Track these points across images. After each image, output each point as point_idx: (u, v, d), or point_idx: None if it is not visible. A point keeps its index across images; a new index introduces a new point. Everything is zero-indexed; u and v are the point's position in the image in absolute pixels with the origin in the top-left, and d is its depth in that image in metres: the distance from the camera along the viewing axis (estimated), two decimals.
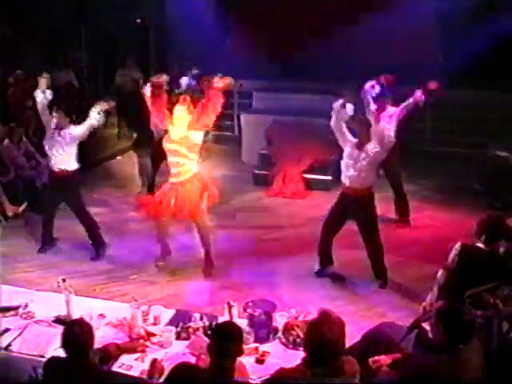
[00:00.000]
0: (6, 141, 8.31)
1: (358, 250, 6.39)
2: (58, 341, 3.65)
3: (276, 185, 9.23)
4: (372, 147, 5.93)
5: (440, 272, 4.45)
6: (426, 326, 3.76)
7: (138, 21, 12.57)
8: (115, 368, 3.90)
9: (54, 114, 6.61)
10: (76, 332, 3.50)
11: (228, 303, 4.44)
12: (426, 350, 3.48)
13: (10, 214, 7.84)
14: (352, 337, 4.08)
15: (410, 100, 7.35)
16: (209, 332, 4.14)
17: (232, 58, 11.68)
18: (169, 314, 4.61)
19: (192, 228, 7.49)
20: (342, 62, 10.27)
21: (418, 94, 7.28)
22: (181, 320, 4.43)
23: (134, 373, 3.87)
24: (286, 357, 4.02)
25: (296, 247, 7.02)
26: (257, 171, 9.62)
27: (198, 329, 4.28)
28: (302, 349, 3.70)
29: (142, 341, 4.20)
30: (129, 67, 11.72)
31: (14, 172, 8.19)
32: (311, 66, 10.46)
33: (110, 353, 3.92)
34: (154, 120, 6.72)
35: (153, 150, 8.38)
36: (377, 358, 3.71)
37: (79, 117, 8.74)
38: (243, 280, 6.28)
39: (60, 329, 3.83)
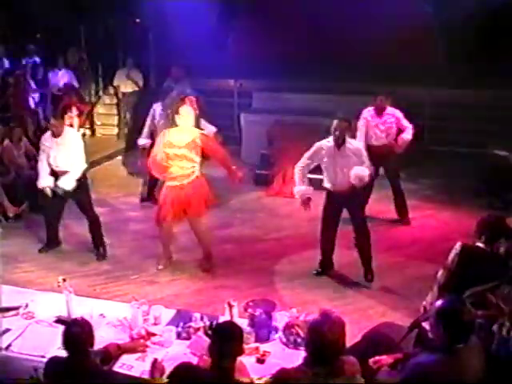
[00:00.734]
0: (6, 141, 8.31)
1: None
2: (58, 341, 3.65)
3: (276, 184, 9.25)
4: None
5: (440, 272, 4.45)
6: (426, 325, 3.76)
7: (138, 21, 12.56)
8: (116, 368, 3.90)
9: (52, 121, 6.64)
10: (76, 332, 3.51)
11: (228, 303, 4.44)
12: (426, 349, 3.48)
13: (10, 214, 7.86)
14: (352, 337, 4.08)
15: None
16: (209, 332, 4.15)
17: (232, 58, 11.74)
18: (169, 313, 4.61)
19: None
20: (343, 62, 10.29)
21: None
22: (181, 320, 4.43)
23: (135, 373, 3.87)
24: (287, 356, 4.02)
25: (296, 247, 7.03)
26: (257, 171, 9.63)
27: (198, 329, 4.28)
28: (302, 348, 3.72)
29: (142, 341, 4.19)
30: (128, 67, 11.72)
31: (14, 172, 8.19)
32: (312, 65, 10.46)
33: (111, 353, 3.92)
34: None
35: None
36: (378, 358, 3.71)
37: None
38: (243, 280, 6.28)
39: (61, 329, 3.83)
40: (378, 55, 10.53)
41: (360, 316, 5.53)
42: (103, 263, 6.79)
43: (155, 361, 3.81)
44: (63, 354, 3.55)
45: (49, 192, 6.60)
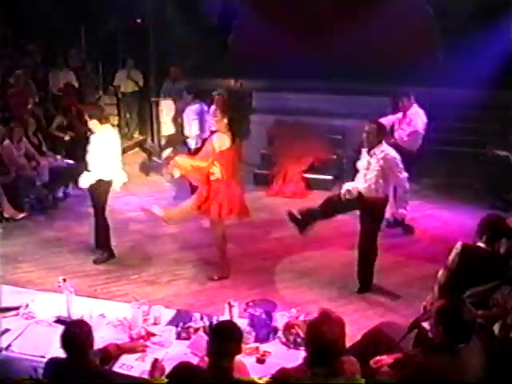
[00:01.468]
0: (6, 141, 8.31)
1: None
2: (58, 341, 3.65)
3: (276, 184, 9.24)
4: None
5: (441, 271, 4.45)
6: (426, 325, 3.76)
7: (138, 21, 12.55)
8: (116, 368, 3.90)
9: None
10: (75, 332, 3.50)
11: (228, 303, 4.44)
12: (426, 349, 3.48)
13: (6, 215, 7.82)
14: (352, 337, 4.08)
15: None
16: (209, 332, 4.15)
17: (233, 58, 11.73)
18: (169, 313, 4.60)
19: (192, 229, 7.53)
20: (343, 62, 10.27)
21: None
22: (181, 320, 4.43)
23: (135, 373, 3.87)
24: (287, 356, 4.02)
25: (296, 247, 7.02)
26: (257, 171, 9.63)
27: (198, 329, 4.28)
28: (302, 348, 3.71)
29: (142, 341, 4.20)
30: (128, 68, 11.72)
31: (14, 172, 8.19)
32: (312, 65, 10.45)
33: (111, 353, 3.92)
34: None
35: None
36: (378, 358, 3.71)
37: (80, 118, 8.77)
38: (243, 280, 6.28)
39: (61, 329, 3.83)
40: (378, 55, 10.52)
41: (360, 316, 5.53)
42: (104, 263, 6.77)
43: (155, 361, 3.81)
44: (63, 354, 3.55)
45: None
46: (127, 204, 8.54)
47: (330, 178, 9.26)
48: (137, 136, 12.07)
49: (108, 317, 4.51)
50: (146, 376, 3.79)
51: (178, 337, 4.27)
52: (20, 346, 4.18)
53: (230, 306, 4.41)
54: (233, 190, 6.12)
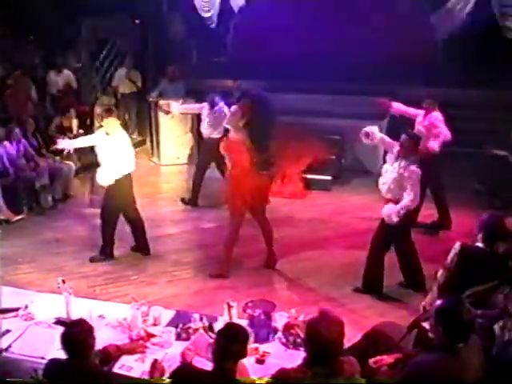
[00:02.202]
0: (6, 141, 8.29)
1: (358, 250, 6.40)
2: (58, 342, 3.65)
3: (275, 184, 9.22)
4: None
5: (440, 271, 4.45)
6: (426, 325, 3.76)
7: (138, 21, 12.57)
8: (115, 369, 3.90)
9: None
10: (76, 333, 3.50)
11: (228, 303, 4.45)
12: (426, 349, 3.48)
13: (2, 217, 7.78)
14: (352, 337, 4.09)
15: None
16: (209, 332, 4.16)
17: (232, 58, 11.73)
18: (169, 314, 4.61)
19: (192, 229, 7.53)
20: (343, 62, 10.28)
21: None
22: (181, 321, 4.43)
23: (135, 374, 3.88)
24: (286, 357, 4.02)
25: (295, 247, 7.02)
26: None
27: (197, 329, 4.28)
28: (302, 349, 3.72)
29: (141, 342, 4.20)
30: (127, 68, 11.72)
31: (13, 173, 8.17)
32: (311, 66, 10.46)
33: (110, 354, 3.92)
34: None
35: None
36: (378, 358, 3.71)
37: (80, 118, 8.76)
38: (242, 280, 6.28)
39: (60, 330, 3.83)
40: (377, 55, 10.52)
41: (359, 316, 5.52)
42: (103, 264, 6.77)
43: (155, 361, 3.81)
44: (63, 355, 3.55)
45: None
46: None
47: (328, 178, 9.27)
48: (136, 137, 12.07)
49: (107, 318, 4.51)
50: (145, 377, 3.80)
51: (178, 337, 4.27)
52: (20, 347, 4.19)
53: (230, 307, 4.42)
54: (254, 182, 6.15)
